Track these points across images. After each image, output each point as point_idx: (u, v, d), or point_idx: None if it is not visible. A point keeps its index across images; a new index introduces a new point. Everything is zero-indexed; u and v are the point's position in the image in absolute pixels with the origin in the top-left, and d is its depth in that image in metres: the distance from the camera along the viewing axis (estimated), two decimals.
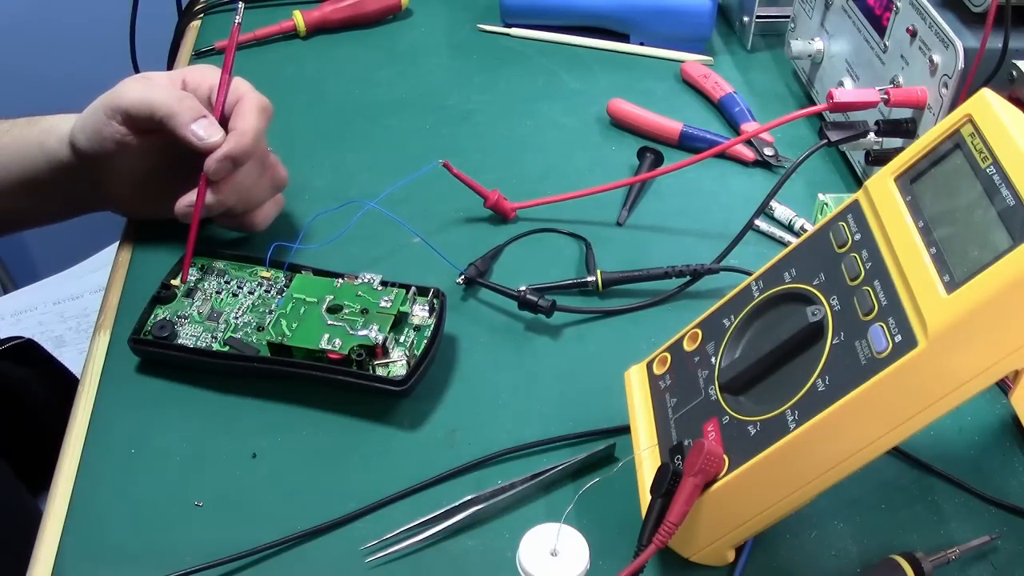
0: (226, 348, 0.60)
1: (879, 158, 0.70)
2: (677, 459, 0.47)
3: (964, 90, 0.62)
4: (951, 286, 0.40)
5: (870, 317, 0.43)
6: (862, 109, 0.68)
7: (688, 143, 0.81)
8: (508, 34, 0.95)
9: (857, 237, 0.47)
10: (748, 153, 0.80)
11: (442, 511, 0.53)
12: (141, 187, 0.66)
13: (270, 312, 0.62)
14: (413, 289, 0.62)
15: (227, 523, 0.53)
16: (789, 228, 0.73)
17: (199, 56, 0.90)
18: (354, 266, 0.63)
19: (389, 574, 0.51)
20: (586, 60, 0.93)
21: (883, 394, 0.41)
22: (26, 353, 0.99)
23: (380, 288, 0.62)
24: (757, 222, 0.70)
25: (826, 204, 0.70)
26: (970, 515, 0.54)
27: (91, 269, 1.44)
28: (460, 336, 0.64)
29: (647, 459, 0.51)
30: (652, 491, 0.46)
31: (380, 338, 0.58)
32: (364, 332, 0.58)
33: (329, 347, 0.57)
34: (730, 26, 0.98)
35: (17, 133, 0.68)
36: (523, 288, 0.64)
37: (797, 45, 0.83)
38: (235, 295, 0.63)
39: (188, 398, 0.59)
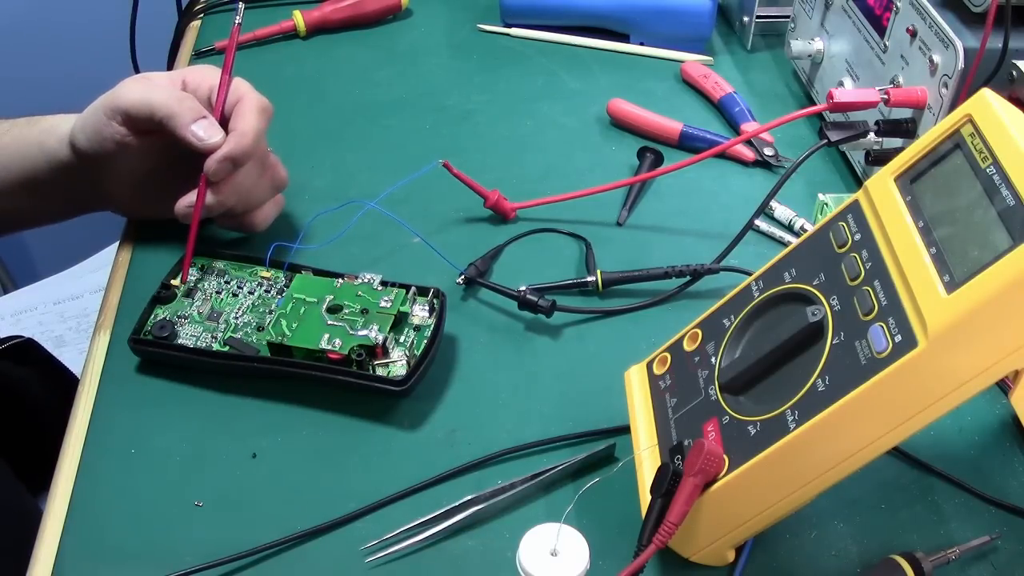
0: (226, 348, 0.60)
1: (879, 158, 0.70)
2: (677, 459, 0.47)
3: (964, 90, 0.62)
4: (951, 286, 0.40)
5: (870, 317, 0.43)
6: (862, 109, 0.68)
7: (688, 143, 0.81)
8: (508, 34, 0.95)
9: (857, 237, 0.47)
10: (748, 153, 0.80)
11: (442, 511, 0.53)
12: (141, 187, 0.66)
13: (270, 312, 0.62)
14: (413, 289, 0.62)
15: (227, 523, 0.53)
16: (789, 228, 0.73)
17: (199, 56, 0.90)
18: (354, 266, 0.63)
19: (389, 574, 0.51)
20: (586, 60, 0.93)
21: (883, 394, 0.41)
22: (26, 353, 0.99)
23: (380, 288, 0.62)
24: (757, 222, 0.70)
25: (826, 204, 0.70)
26: (970, 515, 0.54)
27: (91, 269, 1.44)
28: (460, 336, 0.64)
29: (647, 459, 0.51)
30: (652, 491, 0.46)
31: (380, 338, 0.58)
32: (364, 332, 0.58)
33: (329, 347, 0.57)
34: (730, 26, 0.98)
35: (17, 133, 0.68)
36: (523, 288, 0.64)
37: (797, 45, 0.83)
38: (235, 295, 0.63)
39: (188, 398, 0.60)
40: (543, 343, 0.64)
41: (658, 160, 0.77)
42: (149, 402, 0.59)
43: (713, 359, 0.51)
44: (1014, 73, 0.62)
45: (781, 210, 0.73)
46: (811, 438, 0.43)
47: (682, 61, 0.91)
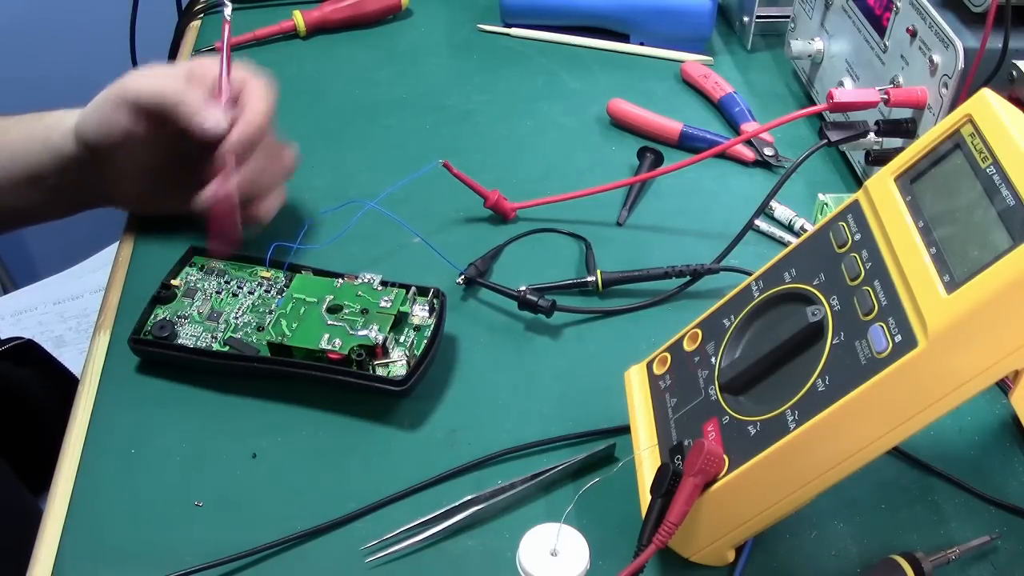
0: (226, 348, 0.60)
1: (879, 158, 0.70)
2: (677, 459, 0.47)
3: (964, 90, 0.62)
4: (951, 286, 0.40)
5: (870, 317, 0.43)
6: (862, 109, 0.68)
7: (688, 143, 0.81)
8: (508, 34, 0.95)
9: (857, 237, 0.47)
10: (748, 153, 0.80)
11: (442, 511, 0.53)
12: (146, 181, 0.66)
13: (270, 312, 0.62)
14: (413, 289, 0.62)
15: (227, 523, 0.53)
16: (789, 228, 0.73)
17: (199, 56, 0.90)
18: (354, 266, 0.63)
19: (389, 574, 0.51)
20: (586, 60, 0.93)
21: (883, 394, 0.41)
22: (26, 354, 0.99)
23: (380, 288, 0.62)
24: (757, 222, 0.70)
25: (826, 204, 0.70)
26: (970, 515, 0.54)
27: (91, 269, 1.44)
28: (460, 336, 0.64)
29: (647, 459, 0.51)
30: (652, 491, 0.46)
31: (380, 338, 0.58)
32: (364, 332, 0.58)
33: (329, 347, 0.57)
34: (730, 26, 0.98)
35: (22, 129, 0.68)
36: (523, 288, 0.64)
37: (797, 45, 0.83)
38: (235, 295, 0.63)
39: (188, 398, 0.60)
40: (543, 343, 0.64)
41: (658, 160, 0.77)
42: (149, 402, 0.59)
43: (713, 359, 0.51)
44: (1014, 73, 0.62)
45: (781, 210, 0.73)
46: (811, 438, 0.43)
47: (682, 61, 0.91)
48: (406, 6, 0.97)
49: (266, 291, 0.63)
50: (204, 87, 0.63)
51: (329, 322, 0.59)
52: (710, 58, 0.92)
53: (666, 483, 0.45)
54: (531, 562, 0.45)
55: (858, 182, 0.77)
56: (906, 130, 0.68)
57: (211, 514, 0.54)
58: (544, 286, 0.66)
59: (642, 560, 0.44)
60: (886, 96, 0.67)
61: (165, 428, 0.58)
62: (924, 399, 0.42)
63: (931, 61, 0.65)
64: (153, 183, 0.66)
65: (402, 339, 0.60)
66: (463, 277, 0.67)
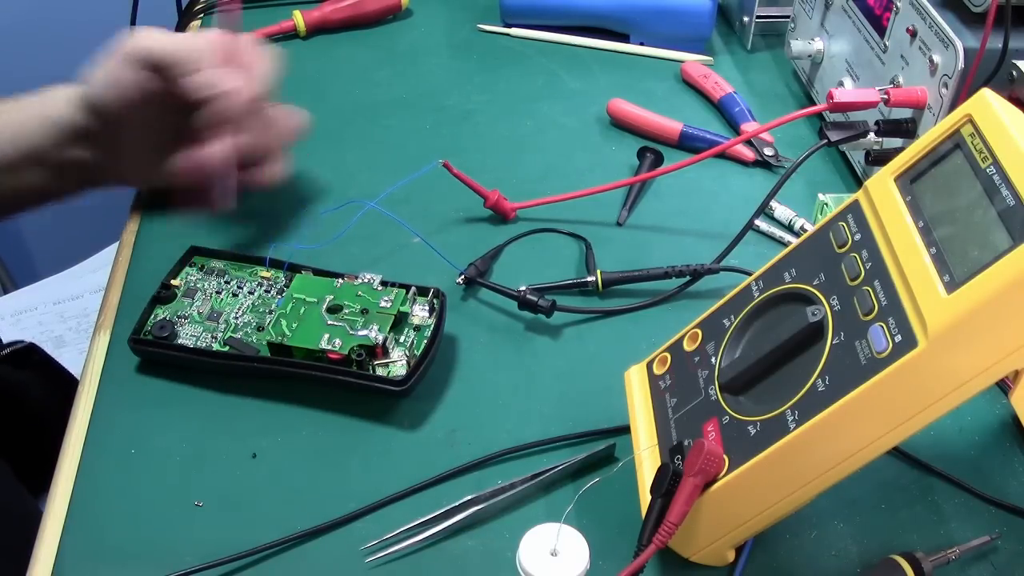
0: (226, 348, 0.60)
1: (879, 158, 0.70)
2: (677, 459, 0.47)
3: (964, 90, 0.62)
4: (951, 286, 0.40)
5: (870, 317, 0.43)
6: (862, 109, 0.68)
7: (688, 143, 0.81)
8: (508, 34, 0.95)
9: (857, 237, 0.47)
10: (748, 153, 0.80)
11: (442, 511, 0.53)
12: (150, 148, 0.65)
13: (270, 312, 0.62)
14: (413, 289, 0.62)
15: (227, 523, 0.53)
16: (789, 228, 0.73)
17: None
18: (354, 266, 0.63)
19: (389, 574, 0.51)
20: (586, 60, 0.93)
21: (883, 394, 0.41)
22: (27, 357, 0.99)
23: (380, 288, 0.62)
24: (757, 222, 0.70)
25: (826, 204, 0.70)
26: (970, 515, 0.54)
27: (91, 269, 1.44)
28: (460, 336, 0.64)
29: (647, 459, 0.51)
30: (652, 491, 0.46)
31: (380, 338, 0.58)
32: (364, 332, 0.58)
33: (329, 347, 0.57)
34: (730, 26, 0.98)
35: (19, 108, 0.66)
36: (523, 288, 0.64)
37: (797, 45, 0.83)
38: (235, 295, 0.63)
39: (188, 398, 0.60)
40: (543, 343, 0.64)
41: (658, 160, 0.77)
42: (149, 402, 0.59)
43: (713, 359, 0.51)
44: (1014, 73, 0.62)
45: (781, 210, 0.73)
46: (811, 438, 0.43)
47: (682, 61, 0.91)
48: (406, 6, 0.97)
49: (266, 291, 0.63)
50: (212, 51, 0.62)
51: (329, 322, 0.59)
52: (710, 58, 0.92)
53: (666, 483, 0.45)
54: (531, 562, 0.45)
55: (858, 182, 0.77)
56: (906, 130, 0.68)
57: (211, 514, 0.54)
58: (544, 286, 0.66)
59: (642, 560, 0.44)
60: (886, 96, 0.67)
61: (165, 428, 0.58)
62: (924, 399, 0.42)
63: (931, 61, 0.65)
64: (157, 150, 0.65)
65: (402, 339, 0.60)
66: (463, 277, 0.67)
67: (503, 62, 0.92)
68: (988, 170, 0.41)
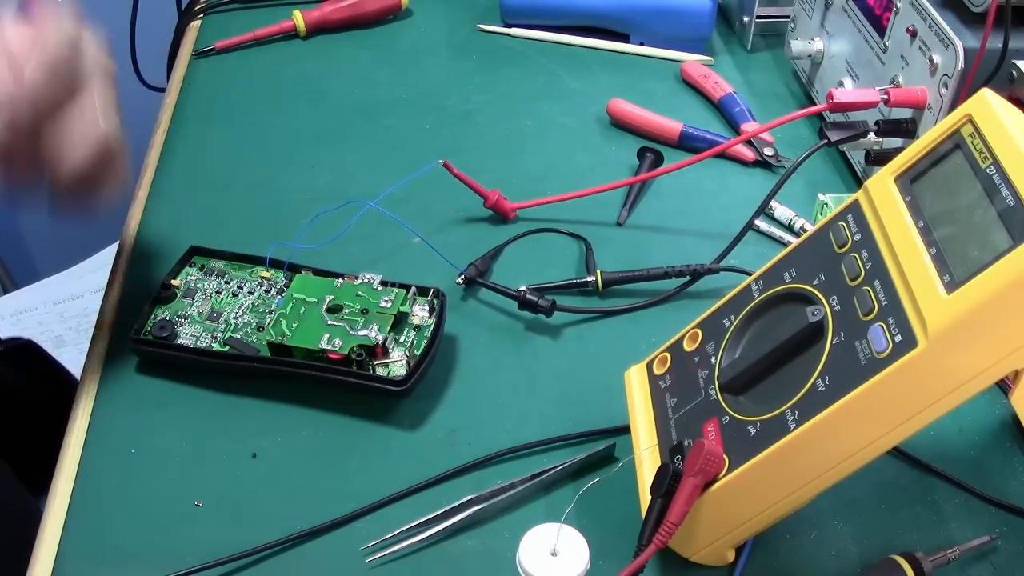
0: (226, 348, 0.60)
1: (879, 158, 0.70)
2: (677, 459, 0.47)
3: (964, 90, 0.62)
4: (951, 286, 0.40)
5: (870, 317, 0.43)
6: (862, 109, 0.68)
7: (688, 143, 0.81)
8: (508, 34, 0.95)
9: (857, 237, 0.47)
10: (748, 153, 0.80)
11: (442, 511, 0.53)
12: None
13: (270, 312, 0.62)
14: (413, 289, 0.62)
15: (227, 523, 0.53)
16: (789, 228, 0.73)
17: (199, 56, 0.90)
18: (354, 266, 0.63)
19: (389, 574, 0.51)
20: (586, 60, 0.93)
21: (883, 394, 0.41)
22: (26, 354, 0.99)
23: (380, 288, 0.62)
24: (757, 222, 0.70)
25: (826, 204, 0.70)
26: (970, 515, 0.54)
27: (91, 269, 1.44)
28: (460, 336, 0.64)
29: (647, 459, 0.51)
30: (652, 491, 0.46)
31: (380, 338, 0.58)
32: (364, 332, 0.58)
33: (329, 347, 0.57)
34: (730, 26, 0.98)
35: None
36: (523, 288, 0.64)
37: (797, 45, 0.83)
38: (235, 295, 0.63)
39: (188, 398, 0.60)
40: (543, 343, 0.64)
41: (658, 160, 0.77)
42: (149, 402, 0.59)
43: (713, 359, 0.51)
44: (1014, 73, 0.62)
45: (781, 210, 0.73)
46: (811, 438, 0.43)
47: (682, 61, 0.91)
48: (406, 6, 0.97)
49: (266, 291, 0.63)
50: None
51: (329, 322, 0.59)
52: (710, 58, 0.92)
53: (666, 483, 0.45)
54: (531, 562, 0.45)
55: (858, 182, 0.77)
56: (906, 130, 0.68)
57: (211, 514, 0.54)
58: (544, 286, 0.66)
59: (642, 560, 0.44)
60: (886, 96, 0.67)
61: (165, 428, 0.58)
62: (924, 399, 0.42)
63: (931, 61, 0.65)
64: None
65: (402, 339, 0.60)
66: (463, 277, 0.67)
67: (503, 62, 0.92)
68: (988, 170, 0.41)
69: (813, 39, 0.83)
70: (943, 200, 0.43)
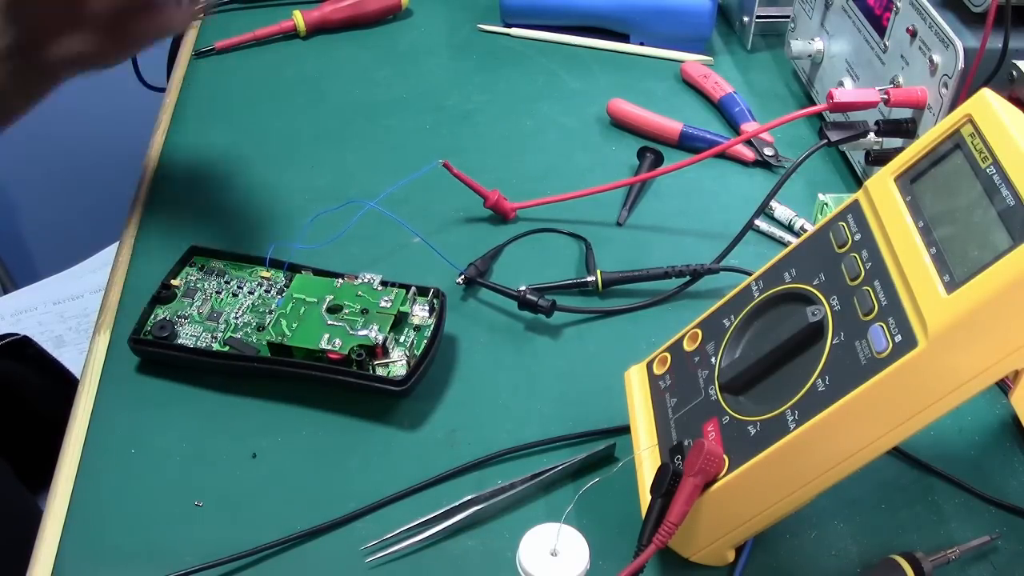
0: (226, 348, 0.60)
1: (879, 158, 0.70)
2: (677, 459, 0.47)
3: (964, 90, 0.62)
4: (951, 286, 0.40)
5: (870, 317, 0.43)
6: (862, 109, 0.68)
7: (688, 143, 0.81)
8: (508, 34, 0.95)
9: (857, 237, 0.47)
10: (748, 153, 0.80)
11: (442, 511, 0.53)
12: (76, 28, 0.58)
13: (270, 312, 0.62)
14: (413, 289, 0.62)
15: (227, 523, 0.53)
16: (789, 228, 0.73)
17: (199, 56, 0.90)
18: (354, 266, 0.63)
19: (389, 574, 0.51)
20: (586, 60, 0.93)
21: (883, 394, 0.41)
22: (23, 350, 0.99)
23: (380, 288, 0.62)
24: (757, 222, 0.70)
25: (826, 204, 0.70)
26: (970, 515, 0.54)
27: (91, 269, 1.44)
28: (460, 336, 0.64)
29: (647, 459, 0.51)
30: (652, 491, 0.46)
31: (380, 338, 0.58)
32: (364, 332, 0.58)
33: (329, 347, 0.57)
34: (730, 26, 0.98)
35: None
36: (523, 288, 0.64)
37: (797, 45, 0.83)
38: (235, 295, 0.63)
39: (188, 398, 0.60)
40: (543, 343, 0.64)
41: (658, 160, 0.77)
42: (149, 402, 0.59)
43: (713, 359, 0.51)
44: (1014, 73, 0.62)
45: (781, 210, 0.73)
46: (811, 438, 0.43)
47: (682, 61, 0.91)
48: (406, 6, 0.97)
49: (266, 291, 0.63)
50: None
51: (329, 322, 0.59)
52: (710, 58, 0.92)
53: (666, 483, 0.45)
54: (531, 562, 0.45)
55: (858, 182, 0.77)
56: (906, 130, 0.68)
57: (211, 514, 0.54)
58: (544, 286, 0.66)
59: (642, 560, 0.44)
60: (886, 96, 0.67)
61: (165, 428, 0.58)
62: (924, 399, 0.42)
63: (931, 61, 0.65)
64: (86, 28, 0.58)
65: (402, 339, 0.60)
66: (463, 277, 0.67)
67: (503, 62, 0.92)
68: (988, 170, 0.41)
69: (813, 39, 0.83)
70: (943, 200, 0.43)
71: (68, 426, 0.58)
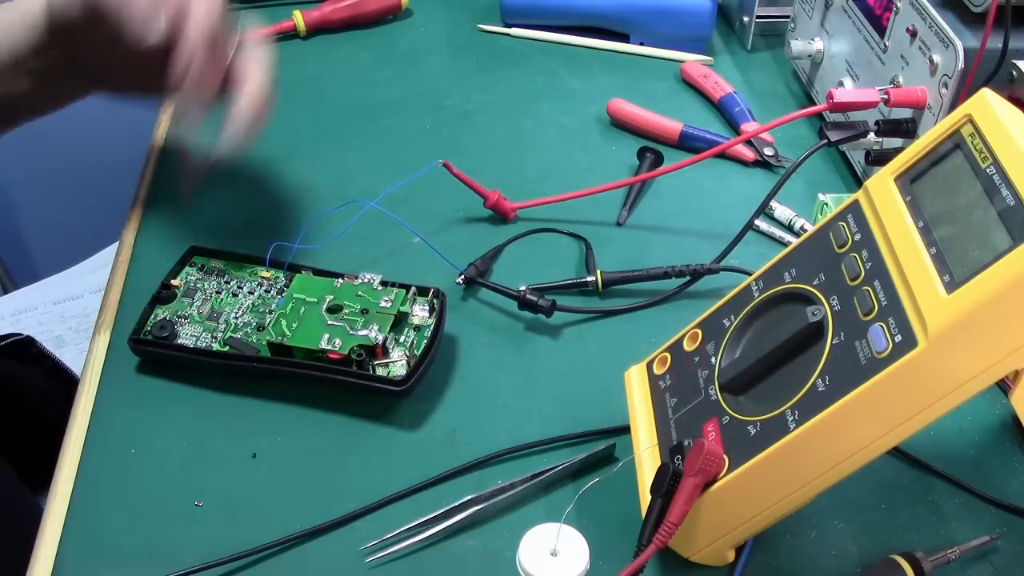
0: (226, 348, 0.60)
1: (879, 158, 0.70)
2: (677, 459, 0.47)
3: (964, 90, 0.62)
4: (951, 286, 0.40)
5: (870, 317, 0.43)
6: (862, 109, 0.68)
7: (688, 143, 0.81)
8: (508, 34, 0.95)
9: (857, 237, 0.47)
10: (748, 153, 0.80)
11: (442, 511, 0.53)
12: (123, 61, 0.60)
13: (270, 312, 0.62)
14: (413, 289, 0.62)
15: (227, 523, 0.53)
16: (789, 228, 0.73)
17: None
18: (354, 266, 0.63)
19: (389, 574, 0.51)
20: (586, 60, 0.93)
21: (883, 394, 0.41)
22: (26, 350, 0.99)
23: (380, 288, 0.62)
24: (757, 222, 0.70)
25: (826, 204, 0.70)
26: (970, 515, 0.54)
27: (91, 269, 1.44)
28: (460, 336, 0.64)
29: (647, 459, 0.51)
30: (652, 491, 0.46)
31: (380, 338, 0.58)
32: (364, 332, 0.58)
33: (329, 347, 0.57)
34: (730, 26, 0.98)
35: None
36: (523, 288, 0.64)
37: (797, 45, 0.83)
38: (235, 295, 0.63)
39: (188, 398, 0.60)
40: (543, 343, 0.64)
41: (658, 160, 0.77)
42: (149, 402, 0.59)
43: (713, 359, 0.51)
44: (1014, 73, 0.62)
45: (781, 210, 0.73)
46: (811, 438, 0.43)
47: (682, 61, 0.91)
48: (406, 6, 0.97)
49: (266, 291, 0.63)
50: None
51: (329, 322, 0.59)
52: (710, 58, 0.92)
53: (666, 483, 0.45)
54: (531, 562, 0.45)
55: (858, 182, 0.77)
56: (906, 130, 0.68)
57: (211, 514, 0.54)
58: (544, 286, 0.66)
59: (642, 560, 0.44)
60: (886, 96, 0.67)
61: (165, 428, 0.58)
62: (924, 399, 0.42)
63: (931, 61, 0.65)
64: (131, 63, 0.60)
65: (402, 339, 0.60)
66: (463, 277, 0.67)
67: (503, 62, 0.92)
68: (988, 170, 0.41)
69: (813, 39, 0.83)
70: (943, 200, 0.43)
71: (68, 426, 0.58)
